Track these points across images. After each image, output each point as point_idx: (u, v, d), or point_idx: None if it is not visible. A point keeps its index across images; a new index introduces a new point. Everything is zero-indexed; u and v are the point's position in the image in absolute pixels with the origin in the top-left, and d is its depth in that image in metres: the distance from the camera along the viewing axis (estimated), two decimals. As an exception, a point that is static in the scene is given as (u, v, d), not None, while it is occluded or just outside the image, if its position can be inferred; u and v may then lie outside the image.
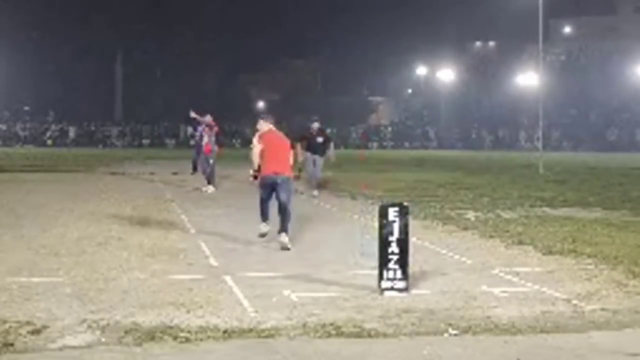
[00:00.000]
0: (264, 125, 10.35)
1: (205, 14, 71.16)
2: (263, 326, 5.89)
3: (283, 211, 9.77)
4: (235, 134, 62.22)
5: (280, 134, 10.42)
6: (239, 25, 71.88)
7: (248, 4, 73.17)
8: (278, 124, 10.84)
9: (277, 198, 9.85)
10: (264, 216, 10.09)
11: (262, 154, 10.01)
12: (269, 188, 9.95)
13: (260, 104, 78.19)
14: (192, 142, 19.08)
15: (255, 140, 10.21)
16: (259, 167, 10.02)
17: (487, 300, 6.88)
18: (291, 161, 10.36)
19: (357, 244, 9.93)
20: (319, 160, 17.52)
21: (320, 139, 17.56)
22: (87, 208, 14.13)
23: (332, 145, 18.02)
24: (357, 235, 10.84)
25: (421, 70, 71.42)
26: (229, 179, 21.49)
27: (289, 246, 9.61)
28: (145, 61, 70.31)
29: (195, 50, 71.05)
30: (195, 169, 21.12)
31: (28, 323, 5.88)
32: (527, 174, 25.50)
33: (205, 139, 18.67)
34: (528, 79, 54.69)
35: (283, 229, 9.73)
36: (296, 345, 5.48)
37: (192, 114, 19.02)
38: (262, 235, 10.07)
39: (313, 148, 17.52)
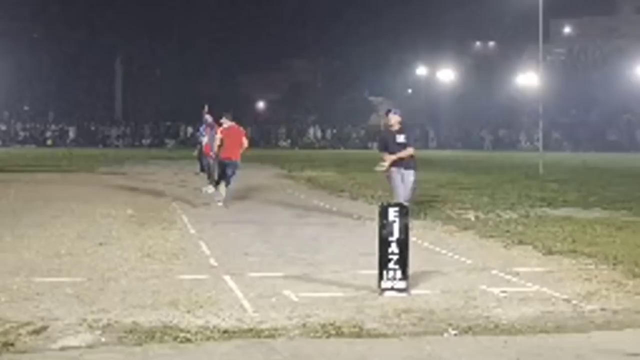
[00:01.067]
0: (226, 122, 15.33)
1: (206, 14, 71.24)
2: (263, 326, 5.89)
3: (229, 180, 15.01)
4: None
5: (237, 128, 15.34)
6: (239, 25, 71.94)
7: (248, 4, 73.21)
8: (236, 119, 15.54)
9: (229, 173, 14.92)
10: (224, 180, 14.94)
11: (222, 143, 14.98)
12: (224, 166, 14.99)
13: (260, 104, 78.21)
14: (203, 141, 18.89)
15: (218, 132, 15.46)
16: (219, 149, 15.05)
17: (487, 300, 6.88)
18: (244, 146, 15.13)
19: (357, 244, 9.94)
20: (409, 174, 11.79)
21: (401, 139, 11.85)
22: (87, 208, 14.13)
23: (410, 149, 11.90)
24: (357, 235, 10.84)
25: (421, 71, 71.38)
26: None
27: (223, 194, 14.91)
28: (145, 61, 70.33)
29: (195, 50, 71.08)
30: (202, 169, 21.12)
31: (28, 323, 5.88)
32: (527, 174, 25.49)
33: (205, 139, 18.68)
34: (528, 79, 54.66)
35: (227, 184, 14.92)
36: (296, 345, 5.48)
37: (206, 109, 18.98)
38: (220, 197, 14.95)
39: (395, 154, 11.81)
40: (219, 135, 15.18)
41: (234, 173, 15.06)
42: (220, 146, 15.01)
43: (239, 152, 15.12)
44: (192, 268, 8.29)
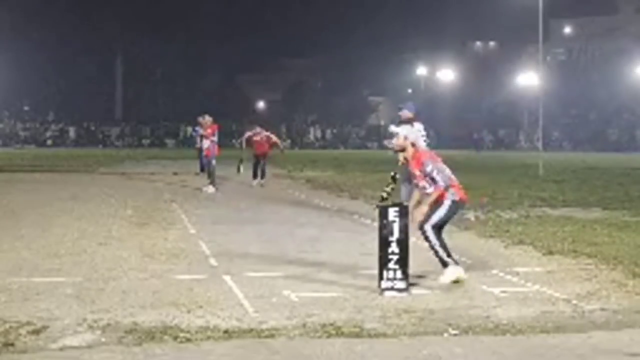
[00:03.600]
0: (257, 128, 21.13)
1: (205, 14, 71.21)
2: (263, 326, 5.89)
3: (263, 173, 20.38)
4: (235, 134, 62.19)
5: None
6: (239, 25, 71.92)
7: (248, 4, 73.18)
8: (262, 126, 21.46)
9: (261, 167, 20.37)
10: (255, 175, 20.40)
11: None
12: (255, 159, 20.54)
13: (260, 104, 78.21)
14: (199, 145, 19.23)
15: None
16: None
17: (487, 300, 6.88)
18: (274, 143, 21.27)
19: (357, 243, 9.94)
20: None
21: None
22: (87, 208, 14.14)
23: None
24: (357, 235, 10.84)
25: (421, 70, 71.36)
26: (229, 179, 21.49)
27: (263, 184, 20.00)
28: (145, 61, 70.31)
29: (195, 50, 71.08)
30: (202, 169, 21.15)
31: (28, 323, 5.87)
32: (527, 174, 25.49)
33: (208, 141, 18.66)
34: (528, 79, 54.64)
35: (262, 177, 20.27)
36: (296, 345, 5.47)
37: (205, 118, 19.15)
38: (252, 185, 19.85)
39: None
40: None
41: (265, 166, 20.65)
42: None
43: (267, 149, 20.89)
44: (192, 268, 8.28)
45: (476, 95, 69.31)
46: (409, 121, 11.95)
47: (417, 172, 7.48)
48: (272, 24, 72.99)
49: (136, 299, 6.74)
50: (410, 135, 7.57)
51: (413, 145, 7.53)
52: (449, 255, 7.43)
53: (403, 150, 7.58)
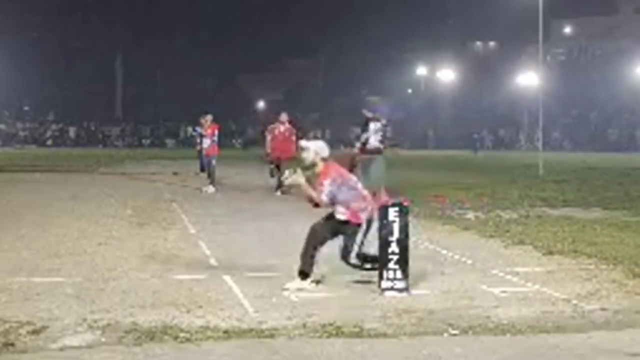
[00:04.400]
0: (283, 115, 18.28)
1: (206, 14, 71.20)
2: (263, 326, 5.89)
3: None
4: (235, 134, 62.23)
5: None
6: (239, 25, 71.92)
7: (248, 4, 73.18)
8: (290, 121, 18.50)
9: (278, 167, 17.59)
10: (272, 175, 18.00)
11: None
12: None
13: (261, 104, 78.25)
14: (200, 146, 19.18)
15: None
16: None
17: (487, 300, 6.88)
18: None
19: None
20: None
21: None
22: (87, 208, 14.14)
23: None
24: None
25: (421, 70, 71.37)
26: (229, 179, 21.50)
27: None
28: (145, 61, 70.33)
29: (195, 50, 71.09)
30: (202, 169, 21.15)
31: (28, 323, 5.88)
32: (527, 174, 25.49)
33: (208, 141, 18.66)
34: (528, 79, 54.63)
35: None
36: (296, 345, 5.47)
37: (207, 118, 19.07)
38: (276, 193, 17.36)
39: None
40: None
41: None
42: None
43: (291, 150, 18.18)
44: (192, 268, 8.28)
45: (476, 95, 69.28)
46: (367, 121, 14.95)
47: (322, 185, 7.50)
48: (273, 24, 73.00)
49: (136, 299, 6.74)
50: (322, 150, 7.56)
51: (324, 160, 7.55)
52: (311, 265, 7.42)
53: (314, 165, 7.62)
